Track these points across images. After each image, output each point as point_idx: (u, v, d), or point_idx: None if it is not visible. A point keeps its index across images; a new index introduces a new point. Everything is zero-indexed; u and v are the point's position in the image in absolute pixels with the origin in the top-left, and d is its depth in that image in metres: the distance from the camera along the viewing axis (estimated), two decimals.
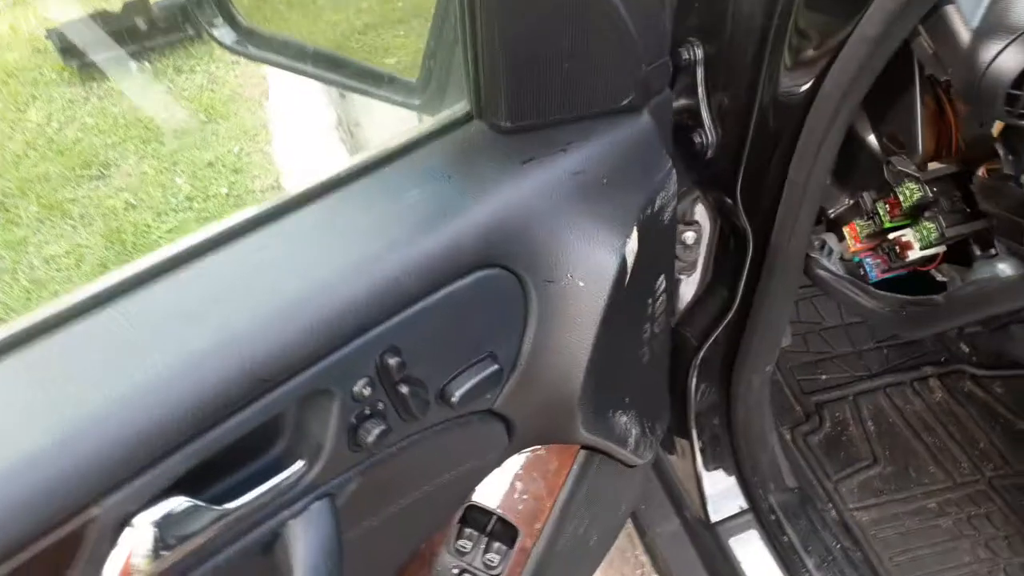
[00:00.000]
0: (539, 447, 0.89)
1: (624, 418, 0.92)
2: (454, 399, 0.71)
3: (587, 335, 0.78)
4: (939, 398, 1.89)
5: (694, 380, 1.36)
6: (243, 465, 0.63)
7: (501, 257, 0.72)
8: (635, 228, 0.79)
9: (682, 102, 1.03)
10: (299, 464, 0.64)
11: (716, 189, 1.12)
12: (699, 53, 0.99)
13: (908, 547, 1.60)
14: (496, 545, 0.89)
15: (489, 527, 0.89)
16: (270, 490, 0.62)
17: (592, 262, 0.76)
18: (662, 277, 0.96)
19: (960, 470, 1.73)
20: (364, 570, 0.75)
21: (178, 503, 0.57)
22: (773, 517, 1.39)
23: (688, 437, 1.46)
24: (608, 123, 0.79)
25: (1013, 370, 1.93)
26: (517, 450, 0.87)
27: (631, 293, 0.83)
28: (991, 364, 1.94)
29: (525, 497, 0.89)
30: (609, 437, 0.89)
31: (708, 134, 1.03)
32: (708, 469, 1.46)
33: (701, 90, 1.01)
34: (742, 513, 1.44)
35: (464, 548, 0.89)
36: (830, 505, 1.55)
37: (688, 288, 1.30)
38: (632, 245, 0.79)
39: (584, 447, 0.91)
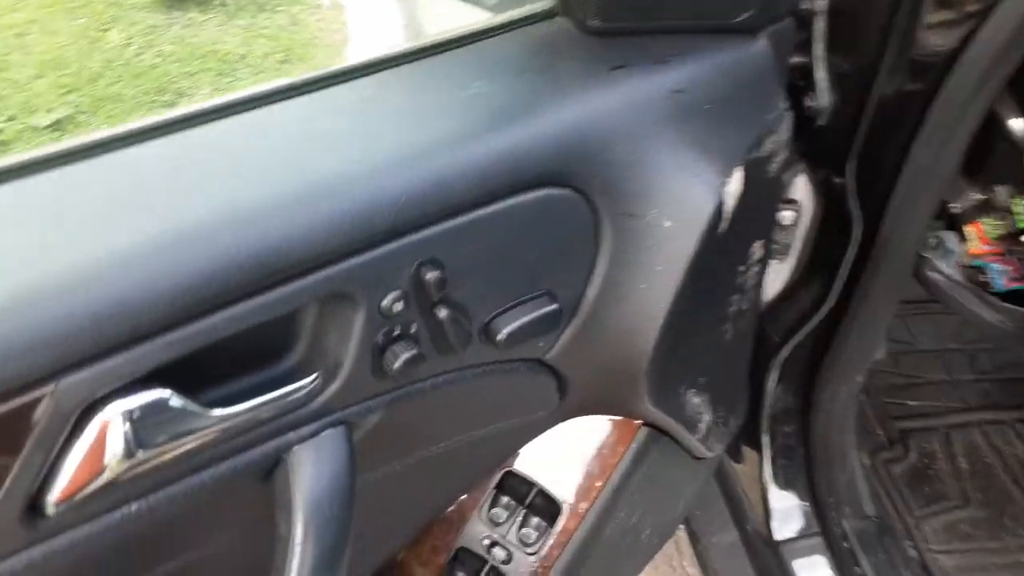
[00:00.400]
0: (595, 415, 0.77)
1: (697, 399, 0.79)
2: (500, 337, 0.60)
3: (667, 287, 0.66)
4: None
5: (773, 381, 1.22)
6: (248, 371, 0.54)
7: (573, 176, 0.60)
8: (739, 168, 0.67)
9: (794, 59, 0.90)
10: (312, 378, 0.54)
11: (824, 164, 0.98)
12: (822, 2, 0.86)
13: None
14: (535, 520, 0.78)
15: (529, 499, 0.78)
16: (275, 401, 0.52)
17: (684, 199, 0.64)
18: (758, 244, 0.83)
19: None
20: (377, 521, 0.65)
21: (160, 396, 0.48)
22: (846, 545, 1.24)
23: (758, 444, 1.32)
24: (718, 41, 0.67)
25: None
26: (569, 415, 0.75)
27: (723, 250, 0.71)
28: None
29: (574, 471, 0.78)
30: (678, 417, 0.77)
31: (821, 98, 0.89)
32: (776, 482, 1.31)
33: (819, 46, 0.88)
34: (810, 535, 1.29)
35: (498, 518, 0.78)
36: (910, 542, 1.38)
37: (777, 277, 1.16)
38: (733, 187, 0.67)
39: (647, 424, 0.79)
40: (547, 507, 0.78)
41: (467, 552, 0.78)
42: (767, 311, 1.15)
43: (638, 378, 0.70)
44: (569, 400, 0.71)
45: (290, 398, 0.53)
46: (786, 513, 1.31)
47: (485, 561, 0.77)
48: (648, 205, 0.64)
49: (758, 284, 0.85)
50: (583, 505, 0.77)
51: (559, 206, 0.61)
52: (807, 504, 1.32)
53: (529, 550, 0.77)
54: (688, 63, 0.65)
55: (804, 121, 0.90)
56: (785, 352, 1.18)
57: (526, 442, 0.75)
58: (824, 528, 1.29)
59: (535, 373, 0.68)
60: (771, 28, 0.71)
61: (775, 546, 1.29)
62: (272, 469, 0.54)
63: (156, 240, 0.46)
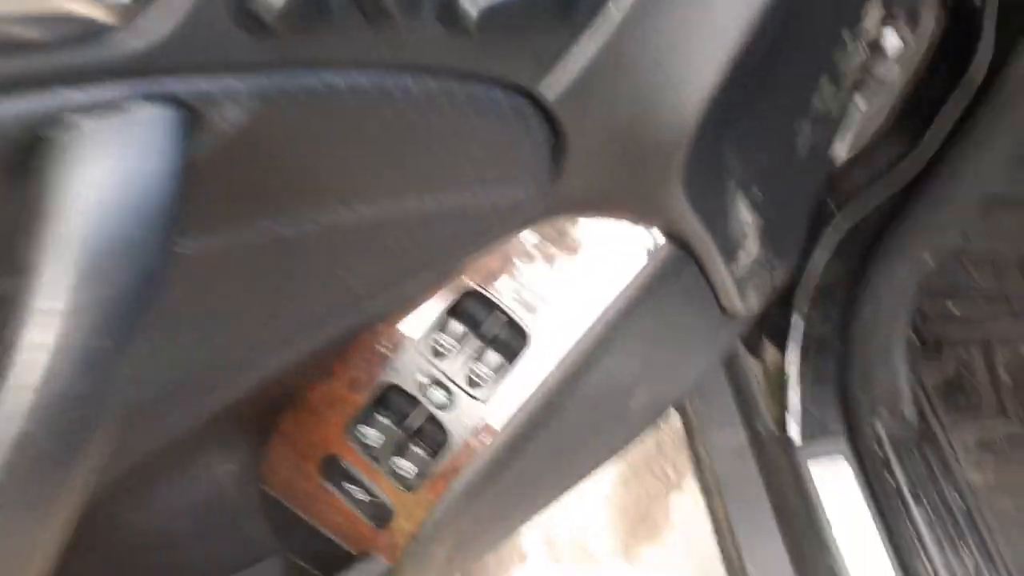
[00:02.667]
0: (598, 215, 0.54)
1: (746, 213, 0.56)
2: (472, 14, 0.35)
3: (733, 23, 0.42)
4: None
5: (821, 258, 1.00)
6: None
7: None
8: None
9: None
10: None
11: None
12: None
13: None
14: (491, 357, 0.55)
15: (488, 327, 0.55)
16: (38, 24, 0.28)
17: None
18: (848, 33, 0.58)
19: None
20: (233, 327, 0.41)
21: None
22: (878, 450, 1.03)
23: (784, 332, 1.10)
24: None
25: None
26: (560, 210, 0.52)
27: (812, 12, 0.47)
28: None
29: (555, 296, 0.54)
30: (717, 230, 0.54)
31: None
32: (802, 375, 1.10)
33: None
34: (834, 435, 1.08)
35: (443, 347, 0.55)
36: (952, 452, 1.18)
37: (853, 132, 0.93)
38: None
39: (670, 237, 0.55)
40: (510, 339, 0.55)
41: (397, 391, 0.56)
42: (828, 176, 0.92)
43: (674, 155, 0.46)
44: (566, 180, 0.47)
45: (67, 26, 0.28)
46: (808, 411, 1.10)
47: (419, 405, 0.55)
48: None
49: (846, 95, 0.61)
50: (560, 343, 0.54)
51: None
52: (835, 402, 1.11)
53: (477, 393, 0.54)
54: None
55: None
56: (843, 223, 0.95)
57: (490, 240, 0.52)
58: (852, 429, 1.08)
59: (519, 114, 0.43)
60: None
61: (792, 449, 1.09)
62: (29, 147, 0.29)
63: None
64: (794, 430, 1.10)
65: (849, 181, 0.98)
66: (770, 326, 1.12)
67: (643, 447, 1.87)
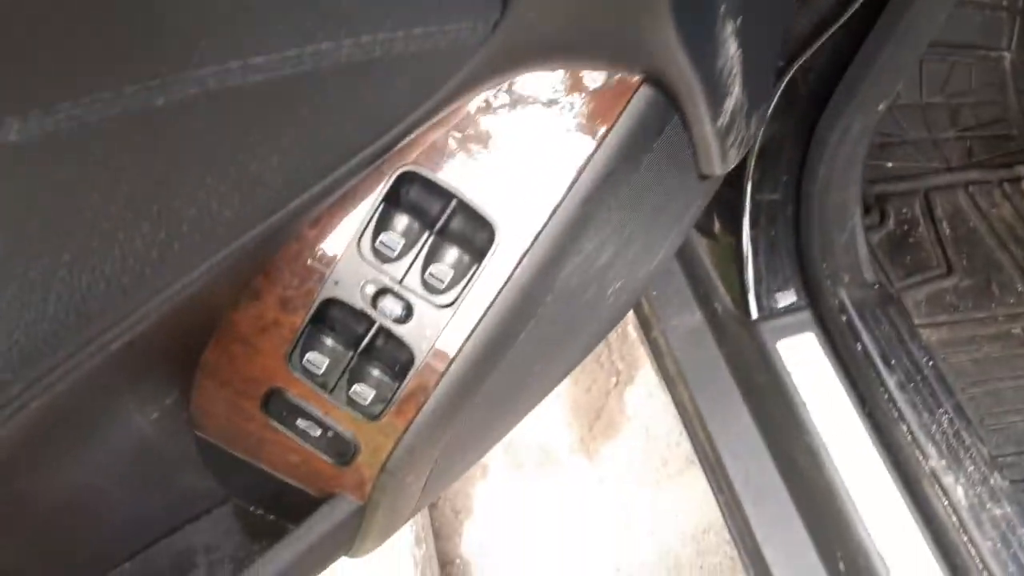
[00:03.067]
0: (565, 65, 0.44)
1: (734, 47, 0.47)
2: None
3: None
4: None
5: (764, 112, 0.92)
6: None
7: None
8: None
9: None
10: None
11: None
12: None
13: (985, 377, 1.24)
14: (451, 252, 0.45)
15: (442, 218, 0.45)
16: None
17: None
18: None
19: None
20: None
21: None
22: (844, 317, 0.99)
23: (737, 207, 1.03)
24: None
25: None
26: (518, 55, 0.41)
27: None
28: None
29: (517, 171, 0.45)
30: (706, 70, 0.44)
31: None
32: (756, 250, 1.04)
33: None
34: (798, 310, 1.04)
35: (389, 249, 0.45)
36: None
37: None
38: None
39: (649, 83, 0.45)
40: (471, 231, 0.45)
41: (340, 307, 0.45)
42: None
43: None
44: (521, 11, 0.37)
45: None
46: (768, 286, 1.05)
47: (370, 321, 0.45)
48: None
49: None
50: (529, 226, 0.45)
51: None
52: (793, 272, 1.06)
53: (440, 299, 0.45)
54: None
55: None
56: (791, 74, 0.88)
57: (433, 104, 0.41)
58: (815, 300, 1.04)
59: None
60: None
61: (752, 326, 1.04)
62: None
63: None
64: (753, 307, 1.05)
65: (797, 29, 0.90)
66: (719, 200, 1.06)
67: None
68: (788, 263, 1.06)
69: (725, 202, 1.05)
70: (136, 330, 0.36)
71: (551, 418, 1.70)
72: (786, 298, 1.05)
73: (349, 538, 0.60)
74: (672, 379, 1.12)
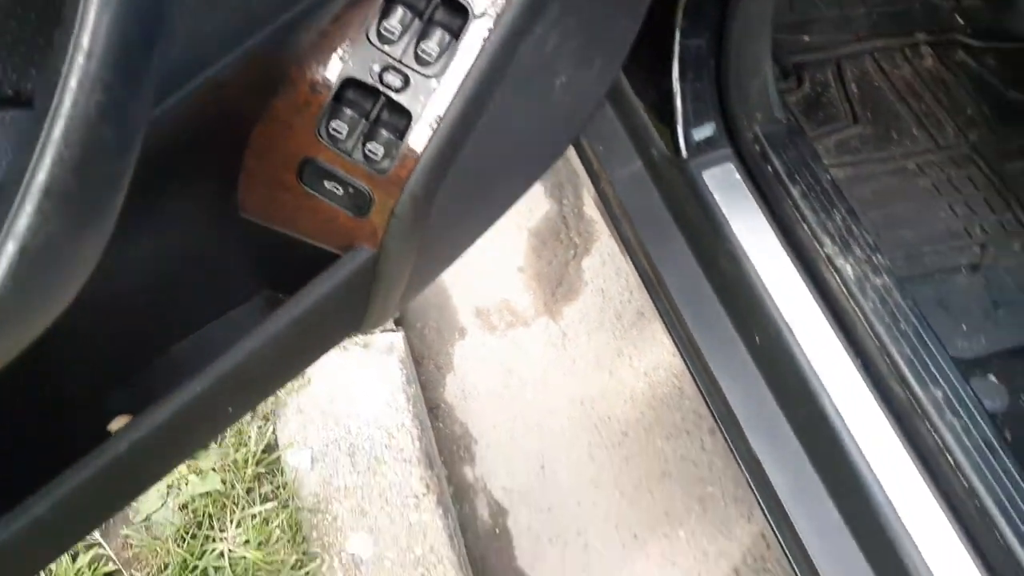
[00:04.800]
0: None
1: None
2: None
3: None
4: (929, 65, 1.70)
5: None
6: None
7: None
8: None
9: None
10: None
11: None
12: None
13: (884, 204, 1.46)
14: (436, 33, 0.61)
15: (430, 8, 0.62)
16: None
17: None
18: None
19: (944, 134, 1.57)
20: None
21: None
22: (757, 148, 1.18)
23: (667, 59, 1.20)
24: None
25: (1009, 42, 1.76)
26: None
27: None
28: (985, 35, 1.77)
29: None
30: None
31: None
32: (684, 100, 1.22)
33: None
34: (720, 147, 1.22)
35: (391, 34, 0.61)
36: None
37: None
38: None
39: None
40: (451, 16, 0.62)
41: (355, 85, 0.62)
42: None
43: None
44: None
45: None
46: (694, 129, 1.23)
47: (378, 93, 0.62)
48: None
49: None
50: (494, 9, 0.61)
51: None
52: (715, 116, 1.24)
53: (430, 71, 0.62)
54: None
55: None
56: None
57: None
58: (733, 136, 1.23)
59: None
60: None
61: (682, 164, 1.23)
62: None
63: None
64: (683, 147, 1.23)
65: None
66: (651, 49, 1.22)
67: (548, 220, 2.02)
68: (711, 108, 1.24)
69: (656, 54, 1.22)
70: (235, 68, 0.52)
71: (518, 288, 1.89)
72: (711, 138, 1.24)
73: (362, 299, 0.77)
74: (617, 218, 1.31)
